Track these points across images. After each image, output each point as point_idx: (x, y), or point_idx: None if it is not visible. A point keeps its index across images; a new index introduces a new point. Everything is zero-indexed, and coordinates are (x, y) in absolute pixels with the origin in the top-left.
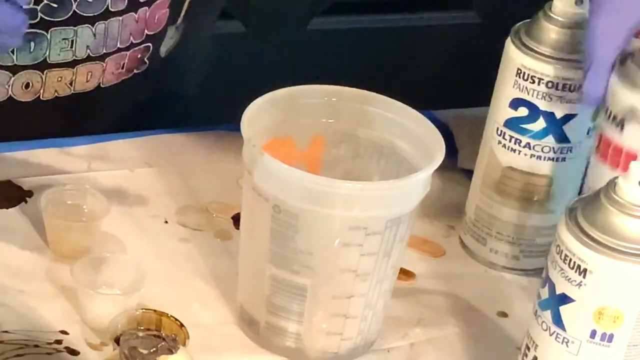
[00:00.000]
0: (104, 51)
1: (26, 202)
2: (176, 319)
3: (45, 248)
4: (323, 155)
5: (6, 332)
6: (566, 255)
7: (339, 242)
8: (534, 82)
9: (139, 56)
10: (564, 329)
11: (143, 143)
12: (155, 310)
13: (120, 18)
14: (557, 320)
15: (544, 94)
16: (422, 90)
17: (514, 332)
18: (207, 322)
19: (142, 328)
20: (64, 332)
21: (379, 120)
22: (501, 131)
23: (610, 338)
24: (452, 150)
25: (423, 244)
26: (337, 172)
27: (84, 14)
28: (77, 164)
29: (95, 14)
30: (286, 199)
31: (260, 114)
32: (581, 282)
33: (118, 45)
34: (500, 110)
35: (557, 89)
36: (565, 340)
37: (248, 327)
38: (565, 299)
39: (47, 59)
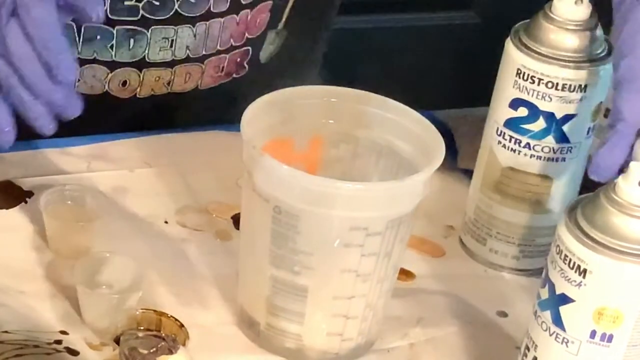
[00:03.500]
0: (203, 52)
1: (26, 202)
2: (176, 319)
3: (45, 248)
4: (322, 156)
5: (6, 332)
6: (566, 256)
7: (339, 242)
8: (533, 82)
9: (238, 60)
10: (563, 329)
11: (143, 143)
12: (155, 311)
13: (222, 20)
14: (557, 321)
15: (544, 94)
16: (422, 90)
17: (513, 332)
18: (207, 322)
19: (141, 328)
20: (63, 332)
21: (378, 120)
22: (501, 131)
23: (610, 338)
24: (452, 150)
25: (423, 244)
26: (335, 172)
27: (186, 14)
28: (77, 164)
29: (197, 14)
30: (287, 200)
31: (260, 115)
32: (581, 282)
33: (218, 47)
34: (500, 110)
35: (557, 89)
36: (565, 340)
37: (248, 327)
38: (565, 299)
39: (146, 58)
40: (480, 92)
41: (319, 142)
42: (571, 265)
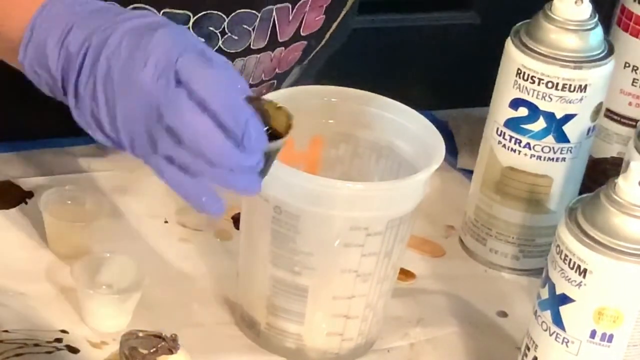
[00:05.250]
0: None
1: (26, 202)
2: (279, 106)
3: (45, 248)
4: (322, 156)
5: (6, 331)
6: (566, 256)
7: (339, 242)
8: (534, 82)
9: (264, 92)
10: (563, 329)
11: None
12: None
13: (258, 56)
14: (557, 321)
15: (544, 94)
16: (422, 90)
17: (514, 332)
18: (207, 322)
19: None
20: (64, 332)
21: (378, 120)
22: (501, 131)
23: (610, 338)
24: (452, 150)
25: (423, 244)
26: (335, 172)
27: (227, 50)
28: (77, 164)
29: (238, 50)
30: (287, 200)
31: None
32: (581, 282)
33: (250, 82)
34: (500, 110)
35: (557, 89)
36: (565, 340)
37: (248, 327)
38: (565, 299)
39: None
40: (480, 92)
41: (319, 142)
42: (571, 265)
